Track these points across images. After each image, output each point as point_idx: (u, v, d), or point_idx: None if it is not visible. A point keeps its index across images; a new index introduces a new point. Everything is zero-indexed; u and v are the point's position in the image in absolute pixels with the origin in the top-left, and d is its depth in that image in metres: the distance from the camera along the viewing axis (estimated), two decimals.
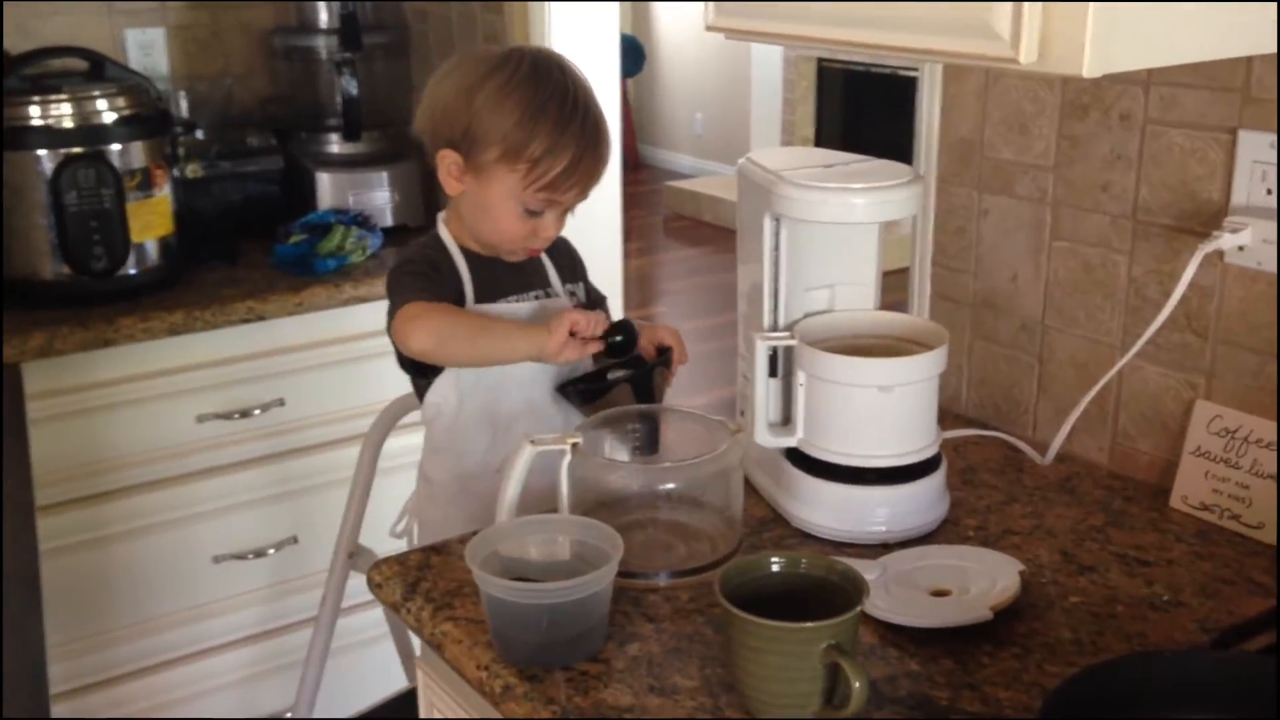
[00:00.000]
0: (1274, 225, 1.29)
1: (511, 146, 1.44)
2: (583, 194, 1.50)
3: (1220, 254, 1.35)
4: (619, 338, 1.47)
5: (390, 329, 1.46)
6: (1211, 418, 1.38)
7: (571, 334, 1.41)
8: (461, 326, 1.45)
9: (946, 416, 1.65)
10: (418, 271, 1.50)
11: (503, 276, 1.54)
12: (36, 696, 1.71)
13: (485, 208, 1.49)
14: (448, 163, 1.50)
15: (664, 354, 1.54)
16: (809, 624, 1.02)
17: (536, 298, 1.56)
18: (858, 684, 0.99)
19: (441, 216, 1.57)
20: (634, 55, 7.70)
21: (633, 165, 8.38)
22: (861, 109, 6.99)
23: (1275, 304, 1.33)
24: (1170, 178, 1.40)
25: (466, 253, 1.53)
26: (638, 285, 6.21)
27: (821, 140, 7.13)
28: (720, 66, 7.84)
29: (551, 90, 1.45)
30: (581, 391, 1.51)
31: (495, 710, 1.15)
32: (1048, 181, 1.54)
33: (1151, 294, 1.44)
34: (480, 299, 1.51)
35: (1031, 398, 1.61)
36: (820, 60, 7.09)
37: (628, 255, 6.64)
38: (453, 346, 1.45)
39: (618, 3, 2.46)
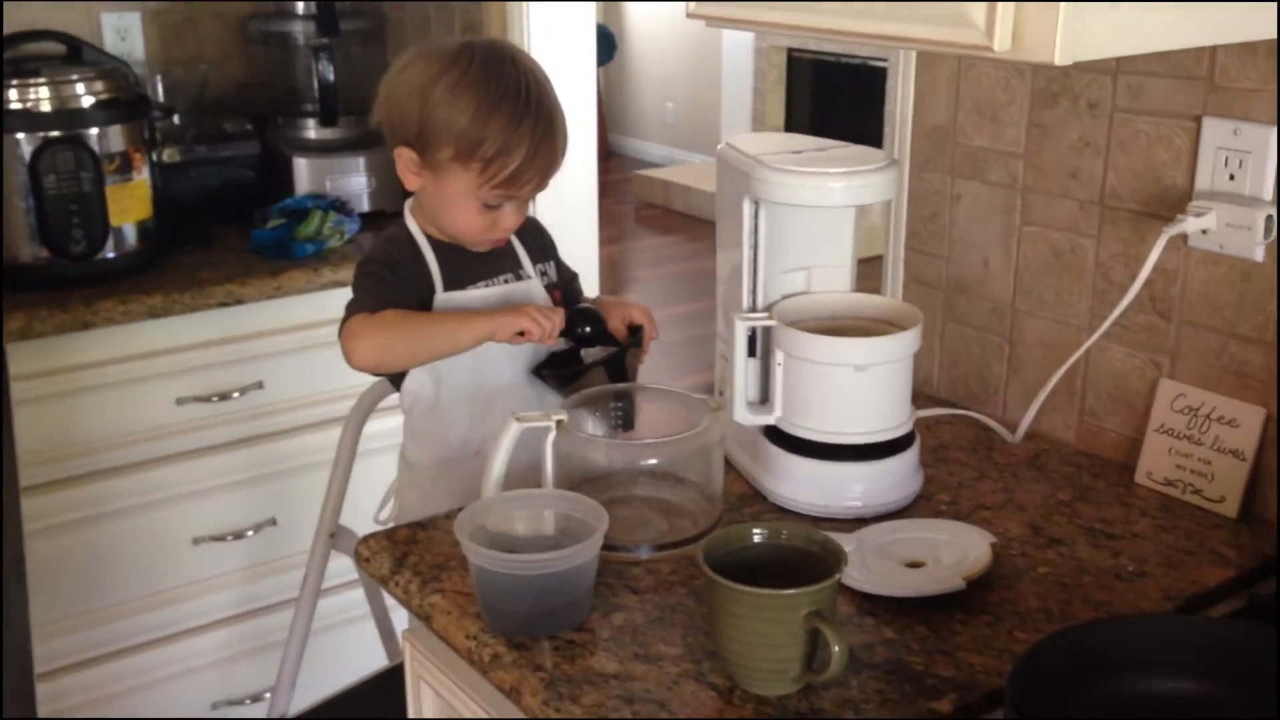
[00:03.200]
0: (1236, 209, 1.34)
1: (465, 146, 1.45)
2: (540, 186, 1.51)
3: (1184, 237, 1.39)
4: (586, 328, 1.51)
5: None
6: (1175, 396, 1.43)
7: (520, 334, 1.44)
8: (401, 335, 1.47)
9: (919, 397, 1.69)
10: (373, 273, 1.52)
11: (471, 263, 1.56)
12: (21, 678, 1.72)
13: (443, 204, 1.51)
14: (405, 159, 1.52)
15: (635, 333, 1.57)
16: (791, 590, 1.05)
17: (506, 281, 1.57)
18: (837, 648, 1.03)
19: (408, 205, 1.58)
20: (604, 44, 7.71)
21: (604, 155, 8.39)
22: (831, 98, 7.04)
23: (1237, 286, 1.37)
24: (1137, 164, 1.45)
25: (433, 241, 1.55)
26: (609, 273, 6.22)
27: (791, 129, 7.18)
28: (691, 56, 7.86)
29: (505, 87, 1.45)
30: (558, 375, 1.54)
31: (484, 679, 1.18)
32: (1018, 168, 1.58)
33: (1118, 277, 1.48)
34: (449, 287, 1.53)
35: (1002, 378, 1.65)
36: (790, 50, 7.13)
37: (600, 244, 6.67)
38: (394, 357, 1.50)
39: None
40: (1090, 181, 1.50)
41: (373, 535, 1.37)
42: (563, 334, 1.49)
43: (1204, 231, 1.36)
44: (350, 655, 2.19)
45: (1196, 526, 1.37)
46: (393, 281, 1.50)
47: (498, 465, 1.34)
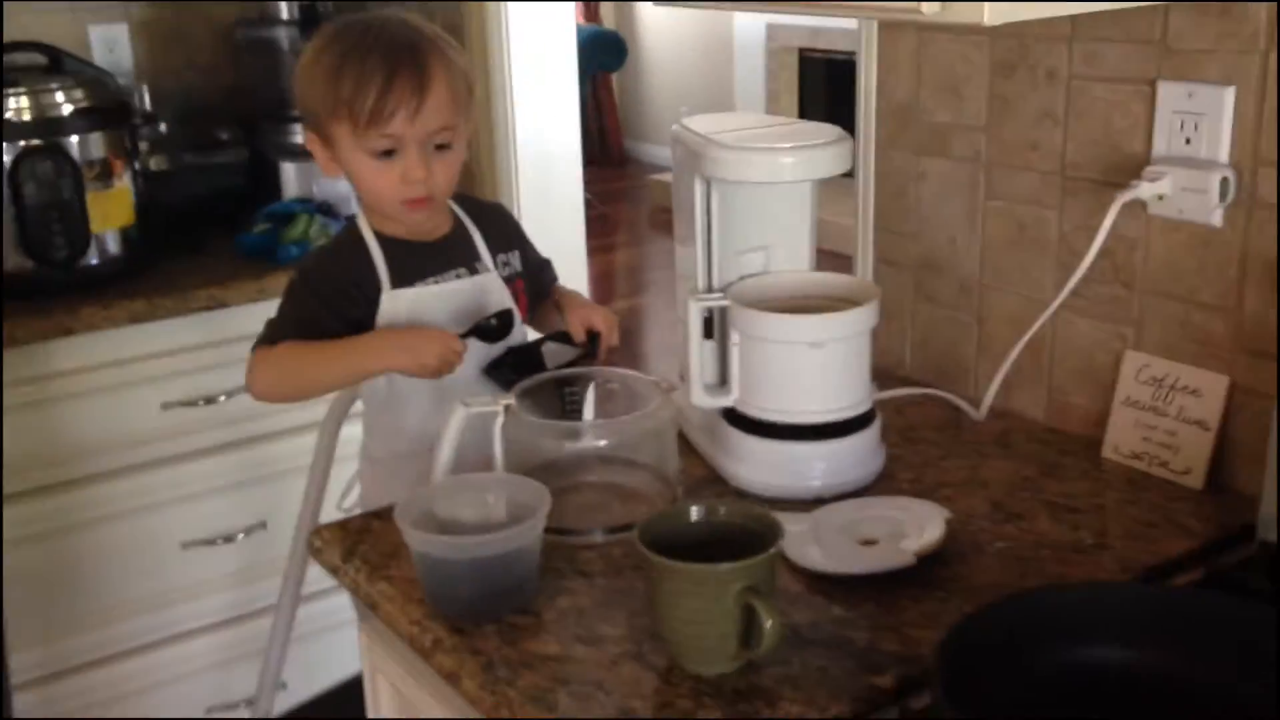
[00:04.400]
0: (1191, 173, 1.31)
1: (329, 99, 1.45)
2: (417, 117, 1.44)
3: (1143, 205, 1.37)
4: (493, 320, 1.51)
5: None
6: (1140, 367, 1.40)
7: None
8: (293, 372, 1.49)
9: (891, 379, 1.67)
10: (294, 291, 1.53)
11: (421, 258, 1.54)
12: None
13: (351, 174, 1.50)
14: (312, 145, 1.52)
15: (593, 339, 1.55)
16: (724, 565, 1.03)
17: (459, 276, 1.55)
18: (770, 623, 1.01)
19: (360, 205, 1.58)
20: (616, 50, 7.71)
21: (619, 160, 8.39)
22: (844, 96, 6.99)
23: (1197, 253, 1.34)
24: (1095, 132, 1.42)
25: (382, 238, 1.53)
26: (625, 276, 6.23)
27: None
28: (703, 59, 7.85)
29: (357, 34, 1.47)
30: (506, 379, 1.52)
31: (428, 664, 1.17)
32: (980, 142, 1.56)
33: (1081, 248, 1.45)
34: (397, 284, 1.51)
35: (971, 357, 1.62)
36: (801, 50, 7.11)
37: (614, 248, 6.68)
38: (288, 392, 1.55)
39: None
40: (1050, 152, 1.47)
41: (326, 525, 1.37)
42: (471, 333, 1.49)
43: (1160, 197, 1.34)
44: (339, 659, 2.18)
45: (1162, 499, 1.34)
46: (310, 302, 1.50)
47: (446, 451, 1.33)
